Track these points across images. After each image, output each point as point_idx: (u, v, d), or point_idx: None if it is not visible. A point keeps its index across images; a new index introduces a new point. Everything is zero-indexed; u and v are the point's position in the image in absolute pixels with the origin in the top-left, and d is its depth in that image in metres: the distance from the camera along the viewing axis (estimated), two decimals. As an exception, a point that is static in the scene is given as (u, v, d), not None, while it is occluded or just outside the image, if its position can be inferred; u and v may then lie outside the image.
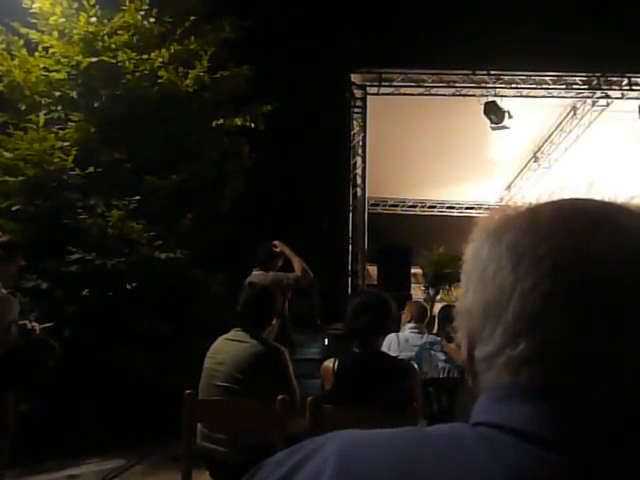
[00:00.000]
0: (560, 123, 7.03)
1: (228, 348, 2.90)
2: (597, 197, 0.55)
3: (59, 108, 5.50)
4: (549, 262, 0.49)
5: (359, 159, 7.20)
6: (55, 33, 5.52)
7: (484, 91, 6.58)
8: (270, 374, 2.79)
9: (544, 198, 0.57)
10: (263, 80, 6.68)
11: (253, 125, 5.97)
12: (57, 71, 5.46)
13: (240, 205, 6.33)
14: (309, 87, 8.68)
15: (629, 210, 0.53)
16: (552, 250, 0.50)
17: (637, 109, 6.33)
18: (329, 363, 2.53)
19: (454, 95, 6.69)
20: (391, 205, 10.86)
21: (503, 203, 9.11)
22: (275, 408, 2.51)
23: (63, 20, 5.55)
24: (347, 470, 0.48)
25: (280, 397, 2.46)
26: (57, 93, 5.50)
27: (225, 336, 2.99)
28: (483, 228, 0.57)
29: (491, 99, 6.44)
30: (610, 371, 0.47)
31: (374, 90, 6.73)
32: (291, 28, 9.13)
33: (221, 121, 5.85)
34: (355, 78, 6.71)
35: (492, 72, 6.50)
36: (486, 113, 6.45)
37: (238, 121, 5.88)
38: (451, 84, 6.61)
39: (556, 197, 0.57)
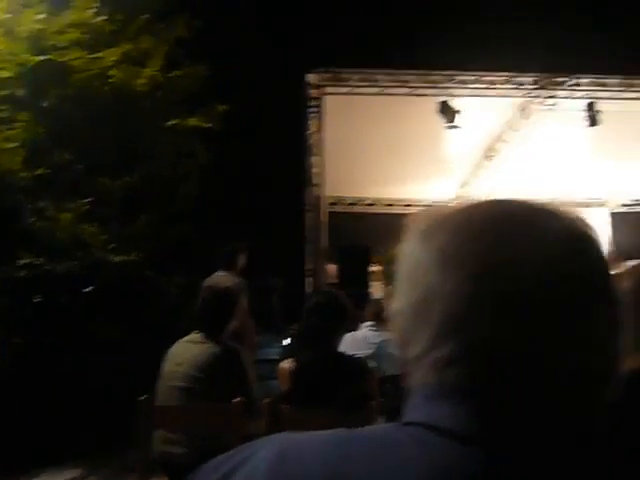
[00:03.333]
0: (510, 122, 7.20)
1: (187, 350, 2.88)
2: (523, 198, 0.57)
3: (5, 108, 5.32)
4: (474, 264, 0.51)
5: (316, 158, 7.20)
6: (0, 29, 5.33)
7: (438, 91, 6.67)
8: (228, 375, 2.78)
9: (477, 199, 0.59)
10: (219, 80, 6.62)
11: (209, 125, 5.92)
12: (3, 69, 5.27)
13: (198, 206, 6.26)
14: (265, 87, 8.64)
15: (550, 212, 0.55)
16: (478, 252, 0.51)
17: (583, 108, 6.55)
18: (285, 364, 2.53)
19: (409, 95, 6.75)
20: (350, 203, 10.92)
21: (455, 200, 9.28)
22: (232, 410, 2.51)
23: (8, 16, 5.36)
24: (280, 473, 0.49)
25: (237, 400, 2.46)
26: (3, 92, 5.31)
27: (184, 339, 2.98)
28: (414, 229, 0.58)
29: (444, 99, 6.53)
30: (532, 370, 0.49)
31: (330, 90, 6.74)
32: (247, 28, 9.09)
33: (176, 121, 5.76)
34: (311, 78, 6.70)
35: (445, 72, 6.60)
36: (440, 112, 6.54)
37: (193, 121, 5.82)
38: (405, 84, 6.67)
39: (487, 198, 0.58)
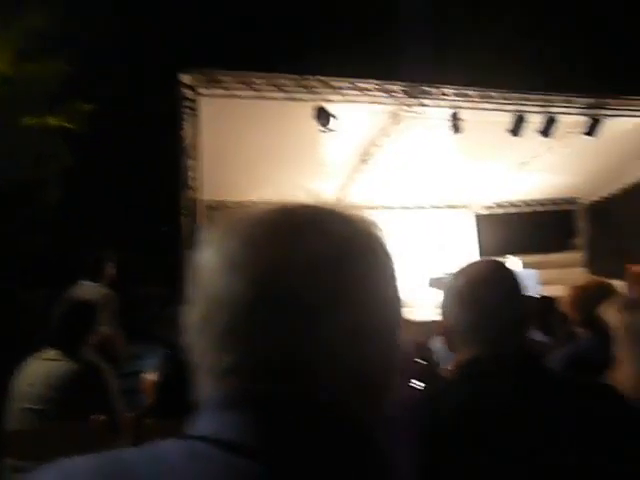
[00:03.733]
0: (383, 128, 7.51)
1: (40, 368, 2.67)
2: (314, 202, 0.56)
3: None
4: (256, 270, 0.50)
5: (193, 161, 7.03)
6: None
7: (314, 95, 6.78)
8: (88, 393, 2.60)
9: (274, 203, 0.57)
10: (86, 77, 6.23)
11: (71, 126, 5.53)
12: None
13: (63, 211, 5.83)
14: (137, 87, 8.27)
15: (337, 215, 0.55)
16: (260, 258, 0.50)
17: (447, 117, 6.99)
18: (149, 376, 2.42)
19: (286, 99, 6.80)
20: (230, 207, 10.81)
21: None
22: (93, 429, 2.35)
23: None
24: None
25: (95, 417, 2.31)
26: None
27: (37, 356, 2.75)
28: (208, 237, 0.56)
29: (320, 103, 6.67)
30: (306, 378, 0.48)
31: (205, 91, 6.59)
32: (117, 25, 8.65)
33: (33, 120, 5.31)
34: (185, 78, 6.51)
35: (320, 77, 6.73)
36: (316, 117, 6.67)
37: (53, 121, 5.40)
38: (282, 88, 6.71)
39: (278, 203, 0.57)
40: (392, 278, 0.55)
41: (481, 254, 9.17)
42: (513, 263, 8.31)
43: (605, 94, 7.20)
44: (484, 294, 1.03)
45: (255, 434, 0.46)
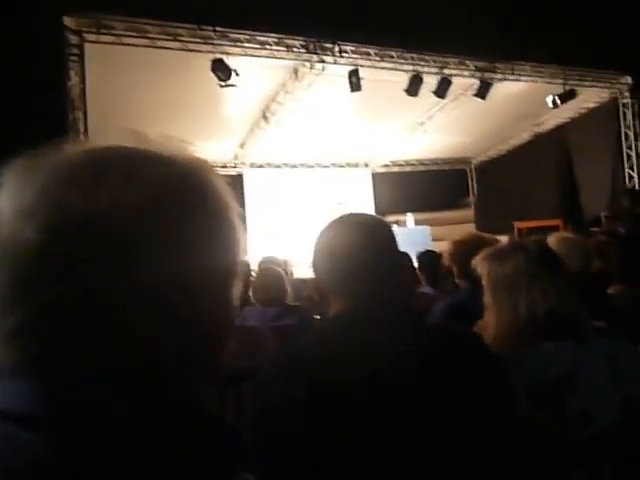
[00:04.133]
0: (284, 84, 7.40)
1: None
2: (131, 143, 0.50)
3: None
4: (45, 220, 0.44)
5: (80, 113, 6.56)
6: None
7: (211, 47, 6.51)
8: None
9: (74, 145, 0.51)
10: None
11: None
12: None
13: None
14: (15, 29, 7.49)
15: (150, 158, 0.49)
16: (50, 207, 0.44)
17: (347, 75, 7.00)
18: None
19: (181, 49, 6.47)
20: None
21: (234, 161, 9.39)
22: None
23: None
24: None
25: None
26: None
27: None
28: (5, 182, 0.48)
29: (218, 56, 6.42)
30: (104, 336, 0.44)
31: (92, 37, 6.11)
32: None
33: None
34: (69, 22, 6.00)
35: (217, 29, 6.46)
36: (214, 70, 6.42)
37: None
38: (177, 38, 6.37)
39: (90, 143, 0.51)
40: (222, 227, 0.51)
41: (377, 212, 9.46)
42: (407, 220, 8.67)
43: (495, 58, 7.53)
44: (352, 247, 1.03)
45: (42, 403, 0.42)
